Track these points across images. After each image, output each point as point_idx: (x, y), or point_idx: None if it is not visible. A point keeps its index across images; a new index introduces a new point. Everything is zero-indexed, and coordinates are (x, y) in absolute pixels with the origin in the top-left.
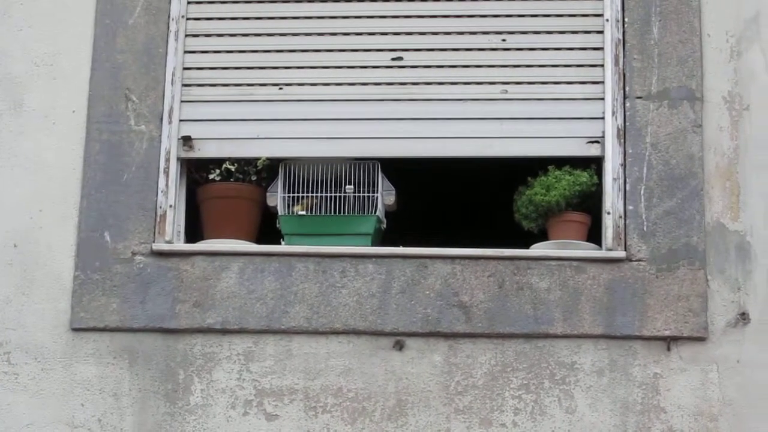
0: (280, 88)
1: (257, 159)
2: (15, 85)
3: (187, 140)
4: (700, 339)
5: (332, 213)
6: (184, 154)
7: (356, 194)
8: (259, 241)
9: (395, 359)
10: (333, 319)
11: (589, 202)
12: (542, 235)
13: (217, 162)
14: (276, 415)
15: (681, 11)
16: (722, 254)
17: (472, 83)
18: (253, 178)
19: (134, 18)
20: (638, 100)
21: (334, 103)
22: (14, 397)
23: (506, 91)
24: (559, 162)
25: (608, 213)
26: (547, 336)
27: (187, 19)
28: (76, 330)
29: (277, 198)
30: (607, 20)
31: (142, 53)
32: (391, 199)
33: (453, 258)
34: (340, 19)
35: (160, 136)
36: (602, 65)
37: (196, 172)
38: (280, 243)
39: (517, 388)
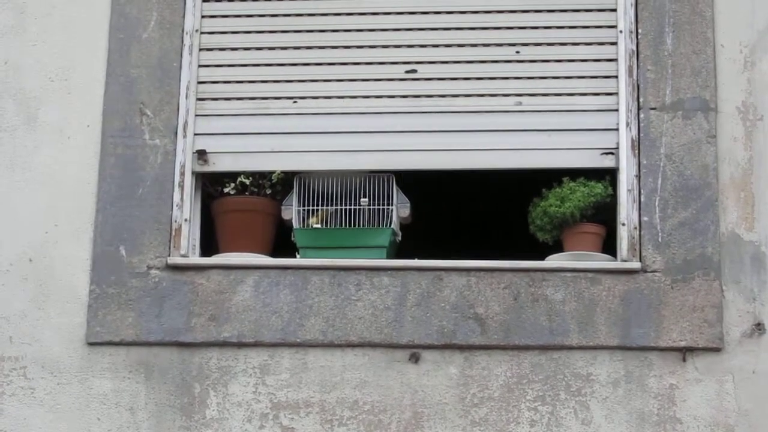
0: (295, 102)
1: (272, 172)
2: (29, 99)
3: (201, 154)
4: (716, 350)
5: (347, 226)
6: (199, 168)
7: (371, 207)
8: (274, 255)
9: (411, 372)
10: (348, 332)
11: (604, 214)
12: (557, 247)
13: (232, 176)
14: (292, 428)
15: (694, 22)
16: (737, 265)
17: (486, 95)
18: (268, 191)
19: (148, 32)
20: (652, 111)
21: (348, 116)
22: (30, 412)
23: (520, 103)
24: (574, 173)
25: (623, 224)
26: (562, 347)
27: (201, 33)
28: (91, 344)
29: (291, 211)
30: (621, 31)
31: (156, 67)
32: (406, 211)
33: (468, 270)
34: (353, 32)
35: (175, 150)
36: (616, 76)
37: (211, 186)
38: (295, 256)
39: (533, 400)
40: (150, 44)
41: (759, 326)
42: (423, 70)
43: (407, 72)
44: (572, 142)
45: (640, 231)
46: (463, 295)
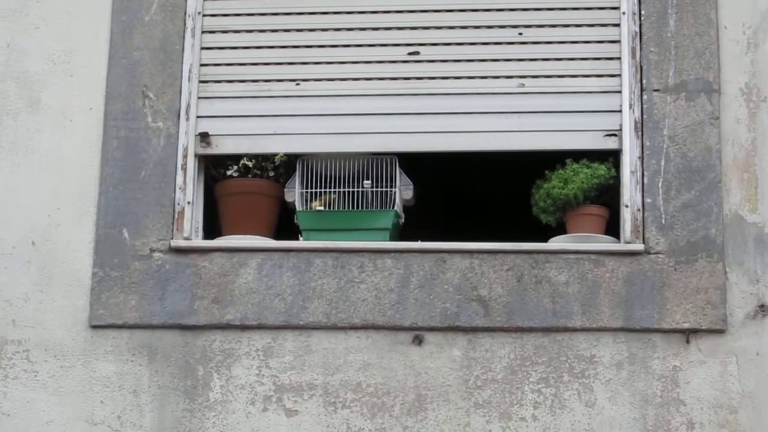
0: (297, 84)
1: (275, 155)
2: (32, 83)
3: (204, 137)
4: (719, 331)
5: (350, 208)
6: (202, 151)
7: (374, 189)
8: (277, 237)
9: (414, 354)
10: (352, 315)
11: (607, 196)
12: (560, 229)
13: (235, 158)
14: (295, 410)
15: (697, 3)
16: (740, 246)
17: (489, 77)
18: (271, 173)
19: (150, 15)
20: (655, 93)
21: (351, 98)
22: (34, 395)
23: (523, 85)
24: (577, 155)
25: (626, 206)
26: (566, 329)
27: (204, 15)
28: (94, 327)
29: (294, 194)
30: (624, 13)
31: (158, 50)
32: (409, 193)
33: (471, 252)
34: (356, 14)
35: (178, 132)
36: (619, 58)
37: (214, 169)
38: (298, 239)
39: (537, 382)
40: (152, 27)
41: (762, 308)
42: (426, 52)
43: (410, 54)
44: (575, 123)
45: (643, 213)
46: (467, 277)
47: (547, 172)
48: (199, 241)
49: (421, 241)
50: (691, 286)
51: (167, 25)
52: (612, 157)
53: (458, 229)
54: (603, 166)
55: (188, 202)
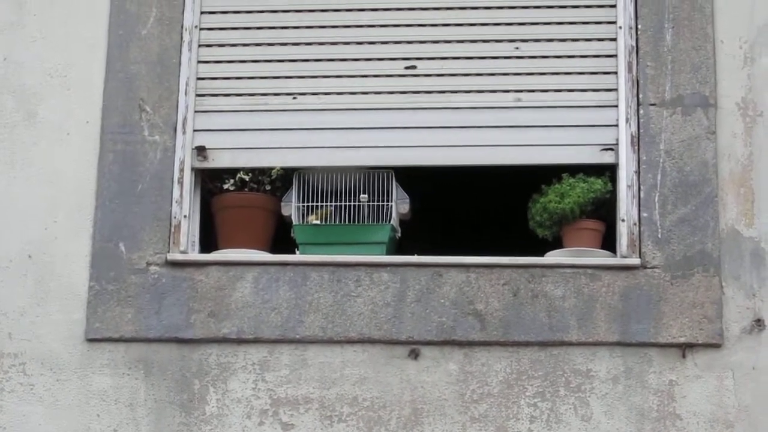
0: (294, 98)
1: (271, 168)
2: (29, 96)
3: (201, 150)
4: (716, 346)
5: (347, 222)
6: (198, 164)
7: (370, 203)
8: (273, 251)
9: (410, 368)
10: (348, 328)
11: (604, 210)
12: (557, 243)
13: (231, 172)
14: (291, 424)
15: (694, 18)
16: (737, 261)
17: (486, 91)
18: (268, 187)
19: (147, 28)
20: (652, 107)
21: (347, 112)
22: (30, 408)
23: (520, 99)
24: (573, 169)
25: (623, 220)
26: (562, 344)
27: (201, 29)
28: (91, 341)
29: (291, 207)
30: (620, 27)
31: (155, 64)
32: (405, 207)
33: (467, 266)
34: (353, 28)
35: (174, 146)
36: (615, 72)
37: (211, 182)
38: (294, 252)
39: (533, 396)
40: (149, 40)
41: (759, 322)
42: (422, 66)
43: (407, 68)
44: (572, 138)
45: (639, 227)
46: (463, 291)
47: (543, 186)
48: (195, 255)
49: (418, 255)
50: (687, 300)
51: (164, 38)
52: (608, 172)
53: (454, 243)
54: (599, 181)
55: (185, 216)
